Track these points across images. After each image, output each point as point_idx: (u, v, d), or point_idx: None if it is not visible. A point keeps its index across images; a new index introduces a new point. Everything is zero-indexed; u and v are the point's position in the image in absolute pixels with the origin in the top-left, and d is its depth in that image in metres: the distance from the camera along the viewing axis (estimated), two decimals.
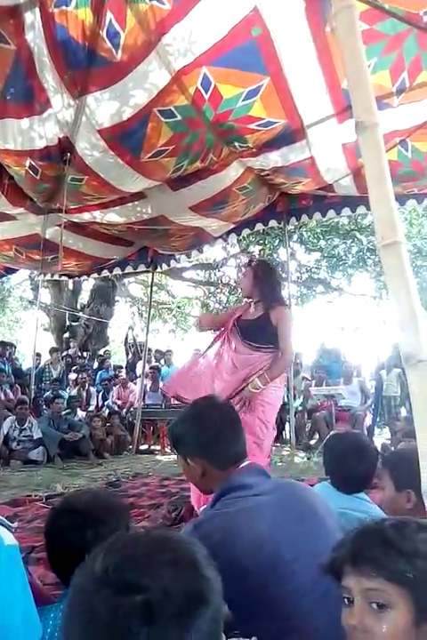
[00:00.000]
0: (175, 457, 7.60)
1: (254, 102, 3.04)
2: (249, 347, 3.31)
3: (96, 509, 1.35)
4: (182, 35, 2.54)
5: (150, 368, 9.49)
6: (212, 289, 15.04)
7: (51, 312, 13.18)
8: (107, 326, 13.20)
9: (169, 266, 7.27)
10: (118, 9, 2.39)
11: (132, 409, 8.80)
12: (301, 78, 2.90)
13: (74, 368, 10.16)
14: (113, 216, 4.87)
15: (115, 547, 0.69)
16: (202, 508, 1.81)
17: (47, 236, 5.20)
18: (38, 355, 10.02)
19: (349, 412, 7.71)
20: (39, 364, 9.98)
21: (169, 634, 0.60)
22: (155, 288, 12.59)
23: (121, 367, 10.98)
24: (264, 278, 3.41)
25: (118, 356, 15.35)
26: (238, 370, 3.28)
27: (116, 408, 8.89)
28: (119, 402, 9.15)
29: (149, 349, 9.95)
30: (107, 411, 8.89)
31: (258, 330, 3.30)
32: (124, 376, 9.96)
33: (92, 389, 9.47)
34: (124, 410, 8.94)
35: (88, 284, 13.57)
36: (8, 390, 8.26)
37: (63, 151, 3.41)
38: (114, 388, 9.47)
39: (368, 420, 8.00)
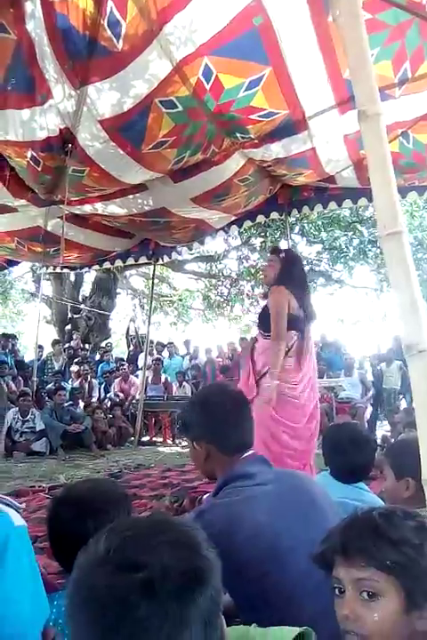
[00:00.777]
0: (177, 449, 7.67)
1: (256, 93, 3.02)
2: (261, 336, 3.39)
3: (98, 498, 1.35)
4: (184, 24, 2.52)
5: (153, 360, 9.52)
6: (213, 281, 15.04)
7: (53, 304, 13.20)
8: (108, 318, 13.22)
9: (170, 258, 7.27)
10: None
11: (134, 401, 8.83)
12: (302, 68, 2.88)
13: (76, 360, 10.19)
14: (114, 208, 4.86)
15: (117, 529, 0.71)
16: (205, 497, 1.83)
17: (49, 228, 5.20)
18: (40, 347, 10.04)
19: (349, 404, 7.73)
20: (41, 355, 10.00)
21: (168, 610, 0.61)
22: (156, 280, 12.61)
23: (122, 360, 11.00)
24: (285, 267, 3.44)
25: (120, 349, 15.38)
26: (255, 360, 3.34)
27: (118, 400, 8.92)
28: (121, 395, 9.18)
29: (151, 341, 9.96)
30: (109, 402, 8.92)
31: (262, 317, 3.39)
32: (126, 368, 9.98)
33: (94, 381, 9.50)
34: (127, 402, 8.97)
35: (90, 277, 13.61)
36: (11, 382, 8.30)
37: (64, 142, 3.39)
38: (115, 380, 9.50)
39: (369, 413, 8.02)
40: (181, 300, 16.89)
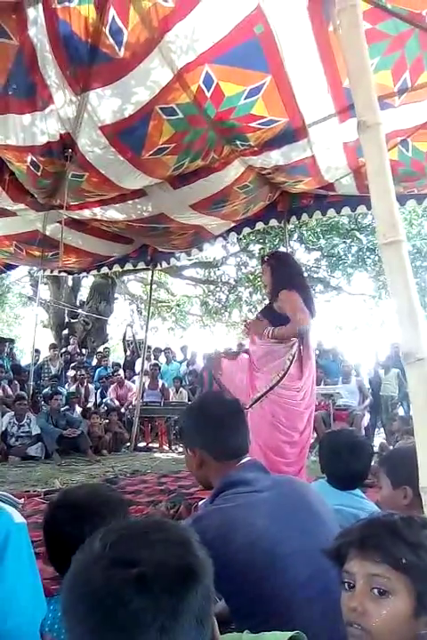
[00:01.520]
0: (173, 455, 7.64)
1: (256, 101, 3.05)
2: (258, 337, 3.43)
3: (94, 503, 1.35)
4: (185, 32, 2.55)
5: (150, 365, 9.50)
6: (211, 287, 15.06)
7: (50, 308, 13.19)
8: (106, 323, 13.20)
9: (169, 264, 7.26)
10: (121, 6, 2.39)
11: (130, 406, 8.81)
12: (303, 77, 2.90)
13: (73, 365, 10.17)
14: (113, 213, 4.87)
15: (113, 528, 0.74)
16: (201, 503, 1.82)
17: (47, 233, 5.20)
18: (37, 351, 10.03)
19: (347, 412, 7.72)
20: (38, 360, 9.98)
21: (161, 604, 0.63)
22: (154, 286, 12.59)
23: (118, 365, 10.97)
24: (275, 269, 3.49)
25: (117, 354, 15.36)
26: (253, 362, 3.38)
27: (114, 405, 8.89)
28: (117, 402, 9.16)
29: (149, 347, 9.95)
30: (105, 408, 8.90)
31: (270, 317, 3.41)
32: (121, 375, 9.95)
33: (91, 386, 9.47)
34: (123, 407, 8.95)
35: (87, 281, 13.60)
36: (7, 386, 8.27)
37: (65, 147, 3.41)
38: (111, 386, 9.47)
39: (366, 420, 8.01)
40: (178, 305, 16.91)
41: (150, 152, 3.46)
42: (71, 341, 11.50)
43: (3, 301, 16.81)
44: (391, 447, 5.59)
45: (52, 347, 10.39)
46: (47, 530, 1.37)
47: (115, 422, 8.04)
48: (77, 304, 13.21)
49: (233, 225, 5.63)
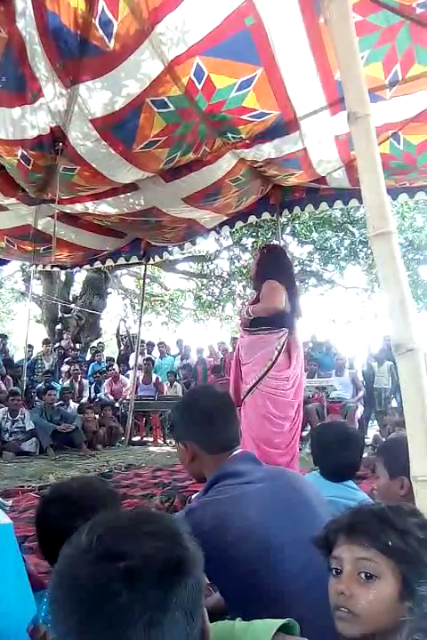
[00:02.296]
0: (168, 449, 7.65)
1: (247, 93, 3.03)
2: (246, 333, 3.46)
3: (86, 496, 1.35)
4: (175, 24, 2.52)
5: (144, 360, 9.49)
6: (204, 281, 15.04)
7: (43, 303, 13.13)
8: (99, 318, 13.17)
9: (162, 258, 7.24)
10: None
11: (124, 400, 8.81)
12: (294, 69, 2.89)
13: (66, 360, 10.14)
14: (105, 207, 4.85)
15: (100, 521, 0.73)
16: (194, 496, 1.83)
17: (39, 227, 5.17)
18: (30, 346, 9.99)
19: (340, 404, 7.76)
20: (31, 355, 9.95)
21: (149, 597, 0.62)
22: (147, 280, 12.58)
23: (112, 360, 10.96)
24: (267, 260, 3.53)
25: (111, 348, 15.33)
26: (240, 356, 3.44)
27: (109, 400, 8.89)
28: (111, 397, 9.15)
29: (142, 341, 9.94)
30: (99, 402, 8.89)
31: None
32: (116, 369, 9.94)
33: (85, 381, 9.46)
34: (117, 402, 8.94)
35: (80, 276, 13.55)
36: (0, 382, 8.24)
37: (55, 141, 3.38)
38: (105, 381, 9.47)
39: (360, 412, 8.06)
40: (172, 299, 16.88)
41: (142, 145, 3.44)
42: (64, 336, 11.46)
43: None
44: (385, 439, 5.62)
45: (46, 342, 10.35)
46: (39, 524, 1.37)
47: (109, 417, 8.03)
48: (70, 299, 13.16)
49: (226, 218, 5.63)
